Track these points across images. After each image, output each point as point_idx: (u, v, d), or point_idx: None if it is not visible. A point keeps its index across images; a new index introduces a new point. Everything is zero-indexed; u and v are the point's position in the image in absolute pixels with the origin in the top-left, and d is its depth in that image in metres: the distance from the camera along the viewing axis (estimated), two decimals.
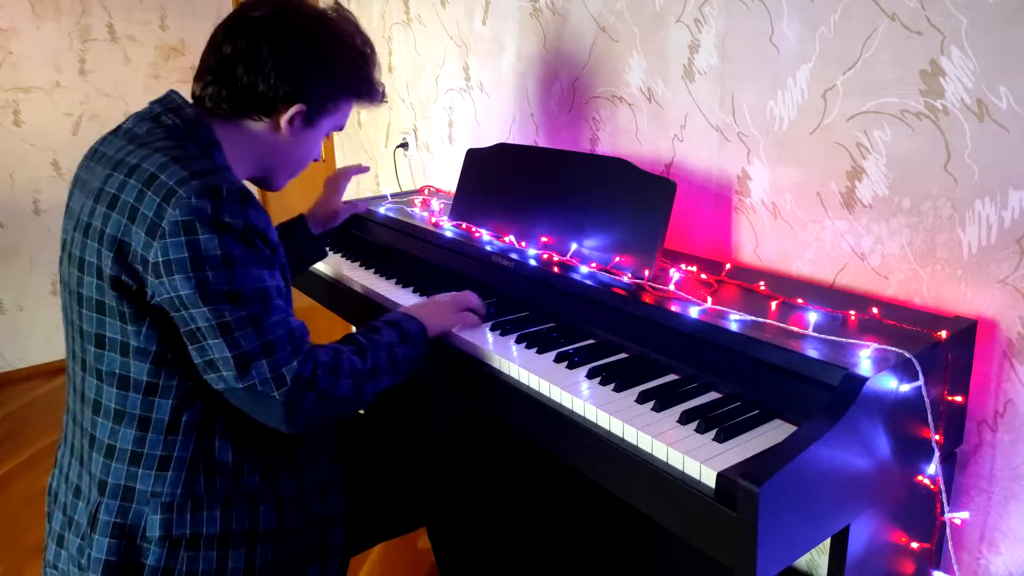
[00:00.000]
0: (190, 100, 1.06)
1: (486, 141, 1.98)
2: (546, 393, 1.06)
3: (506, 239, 1.48)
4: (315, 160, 1.20)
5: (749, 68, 1.29)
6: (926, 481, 0.99)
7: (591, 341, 1.20)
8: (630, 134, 1.56)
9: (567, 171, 1.41)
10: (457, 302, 1.25)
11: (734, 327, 1.01)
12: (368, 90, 1.15)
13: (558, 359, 1.12)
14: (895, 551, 1.02)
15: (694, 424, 0.92)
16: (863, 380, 0.83)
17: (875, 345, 0.93)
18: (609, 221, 1.31)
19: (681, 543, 1.40)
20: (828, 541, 0.93)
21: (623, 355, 1.15)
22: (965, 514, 1.11)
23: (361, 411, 1.25)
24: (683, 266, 1.27)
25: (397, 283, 1.53)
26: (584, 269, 1.29)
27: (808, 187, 1.24)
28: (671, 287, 1.16)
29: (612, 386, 1.03)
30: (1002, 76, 0.98)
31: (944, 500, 1.02)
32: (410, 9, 2.25)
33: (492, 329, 1.25)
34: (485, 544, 1.39)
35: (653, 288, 1.18)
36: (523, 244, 1.44)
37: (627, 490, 0.94)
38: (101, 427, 0.97)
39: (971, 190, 1.04)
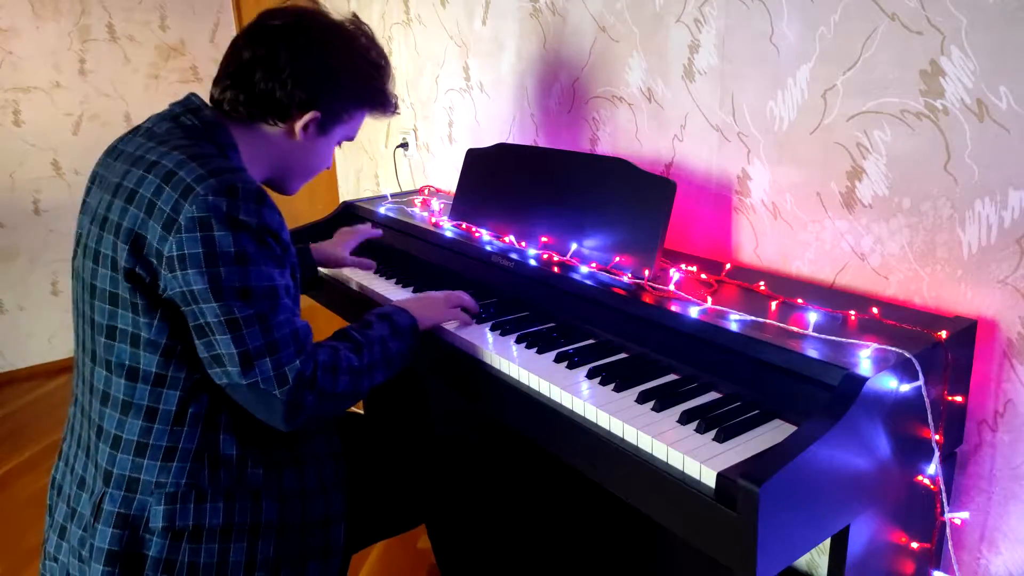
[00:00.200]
0: (209, 103, 1.10)
1: (486, 141, 1.98)
2: (546, 393, 1.06)
3: (506, 239, 1.48)
4: (326, 168, 1.22)
5: (749, 68, 1.29)
6: (926, 481, 0.99)
7: (591, 341, 1.20)
8: (630, 134, 1.56)
9: (567, 171, 1.41)
10: (449, 299, 1.26)
11: (734, 327, 1.01)
12: (381, 101, 1.18)
13: (558, 359, 1.12)
14: (895, 551, 1.02)
15: (694, 424, 0.92)
16: (863, 380, 0.83)
17: (875, 345, 0.93)
18: (609, 221, 1.31)
19: (681, 543, 1.40)
20: (828, 541, 0.93)
21: (623, 355, 1.15)
22: (965, 514, 1.11)
23: (361, 411, 1.25)
24: (683, 266, 1.27)
25: (397, 283, 1.53)
26: (584, 269, 1.29)
27: (808, 187, 1.24)
28: (671, 287, 1.16)
29: (612, 386, 1.03)
30: (1002, 76, 0.98)
31: (944, 500, 1.02)
32: (410, 9, 2.25)
33: (492, 329, 1.25)
34: (485, 543, 1.39)
35: (653, 288, 1.18)
36: (523, 244, 1.44)
37: (627, 490, 0.94)
38: (108, 418, 0.98)
39: (971, 190, 1.04)
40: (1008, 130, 0.98)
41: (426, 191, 2.13)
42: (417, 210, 1.86)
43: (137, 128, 1.08)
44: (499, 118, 1.95)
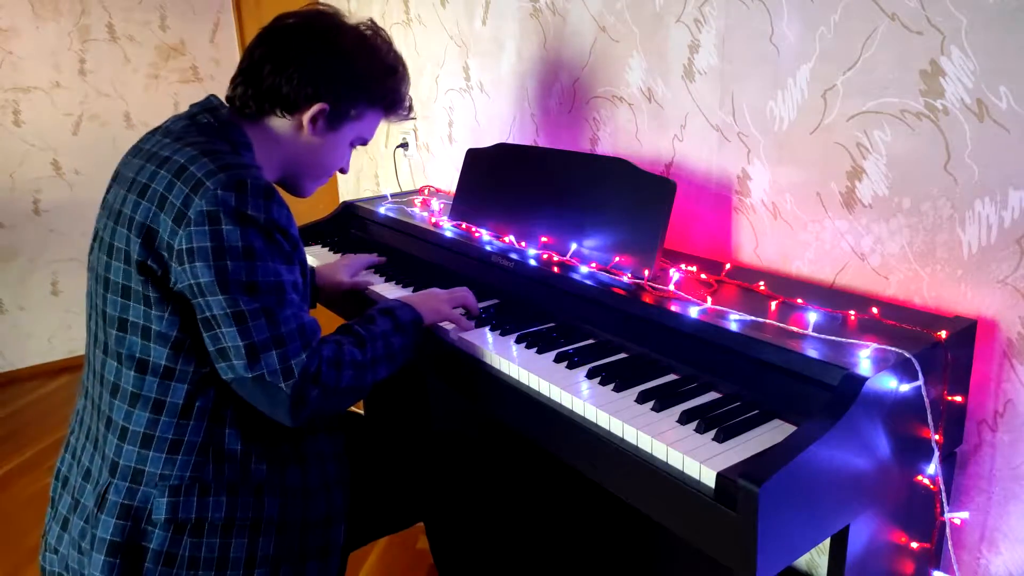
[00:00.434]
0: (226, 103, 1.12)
1: (486, 141, 1.98)
2: (546, 393, 1.06)
3: (506, 239, 1.48)
4: (342, 171, 1.23)
5: (749, 68, 1.29)
6: (926, 481, 0.99)
7: (591, 341, 1.20)
8: (630, 134, 1.56)
9: (567, 171, 1.41)
10: (453, 297, 1.26)
11: (734, 327, 1.01)
12: (393, 101, 1.19)
13: (558, 359, 1.12)
14: (895, 551, 1.02)
15: (694, 424, 0.92)
16: (863, 380, 0.83)
17: (875, 345, 0.93)
18: (609, 221, 1.31)
19: (681, 543, 1.40)
20: (828, 541, 0.93)
21: (623, 355, 1.15)
22: (965, 514, 1.11)
23: (360, 411, 1.25)
24: (683, 266, 1.27)
25: (397, 283, 1.53)
26: (584, 269, 1.29)
27: (808, 187, 1.24)
28: (671, 287, 1.16)
29: (612, 386, 1.03)
30: (1002, 76, 0.98)
31: (944, 500, 1.02)
32: (410, 9, 2.25)
33: (492, 329, 1.25)
34: (483, 543, 1.39)
35: (653, 288, 1.18)
36: (523, 244, 1.44)
37: (627, 490, 0.94)
38: (117, 409, 1.00)
39: (971, 190, 1.04)
40: (1008, 130, 0.98)
41: (426, 191, 2.13)
42: (417, 210, 1.86)
43: (158, 127, 1.10)
44: (499, 118, 1.95)
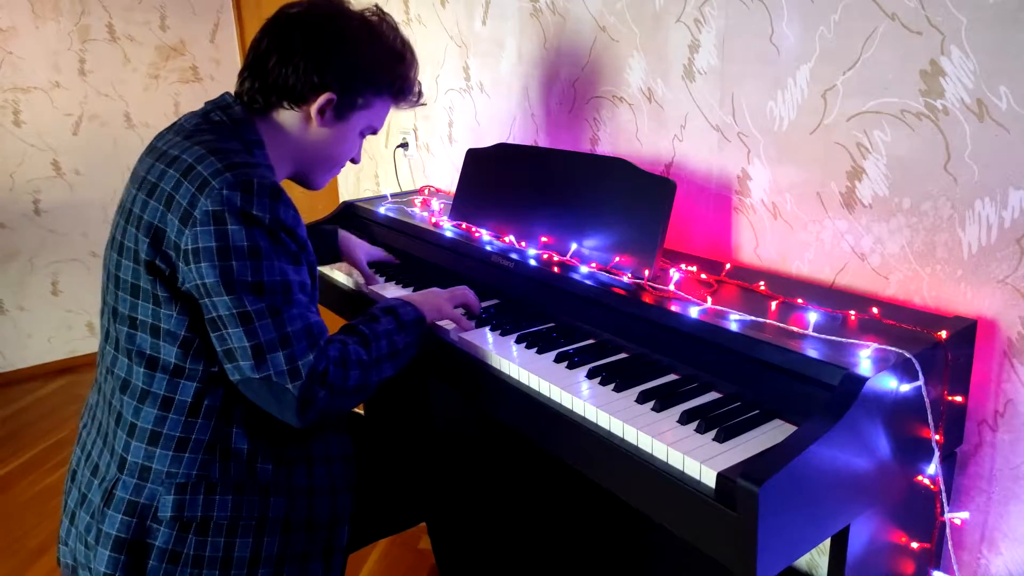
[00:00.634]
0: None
1: (486, 141, 1.98)
2: (546, 393, 1.06)
3: (506, 239, 1.48)
4: (353, 162, 1.23)
5: (749, 68, 1.29)
6: (926, 481, 0.99)
7: (591, 341, 1.20)
8: (630, 134, 1.56)
9: (567, 171, 1.41)
10: (454, 295, 1.26)
11: (734, 327, 1.01)
12: (401, 88, 1.17)
13: (558, 359, 1.12)
14: (895, 551, 1.02)
15: (694, 424, 0.92)
16: (863, 380, 0.83)
17: (875, 345, 0.93)
18: (609, 221, 1.31)
19: (681, 543, 1.40)
20: (828, 541, 0.93)
21: (623, 355, 1.15)
22: (965, 514, 1.11)
23: (361, 411, 1.24)
24: (683, 266, 1.27)
25: (397, 283, 1.53)
26: (584, 269, 1.29)
27: (808, 187, 1.24)
28: (671, 287, 1.16)
29: (612, 386, 1.03)
30: (1002, 76, 0.98)
31: (944, 500, 1.02)
32: (410, 9, 2.25)
33: (492, 329, 1.25)
34: (485, 543, 1.39)
35: (653, 288, 1.18)
36: (523, 244, 1.44)
37: (627, 490, 0.94)
38: (127, 405, 1.00)
39: (971, 190, 1.04)
40: (1008, 130, 0.98)
41: (426, 191, 2.13)
42: (417, 210, 1.86)
43: (173, 124, 1.10)
44: (499, 118, 1.95)
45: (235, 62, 3.45)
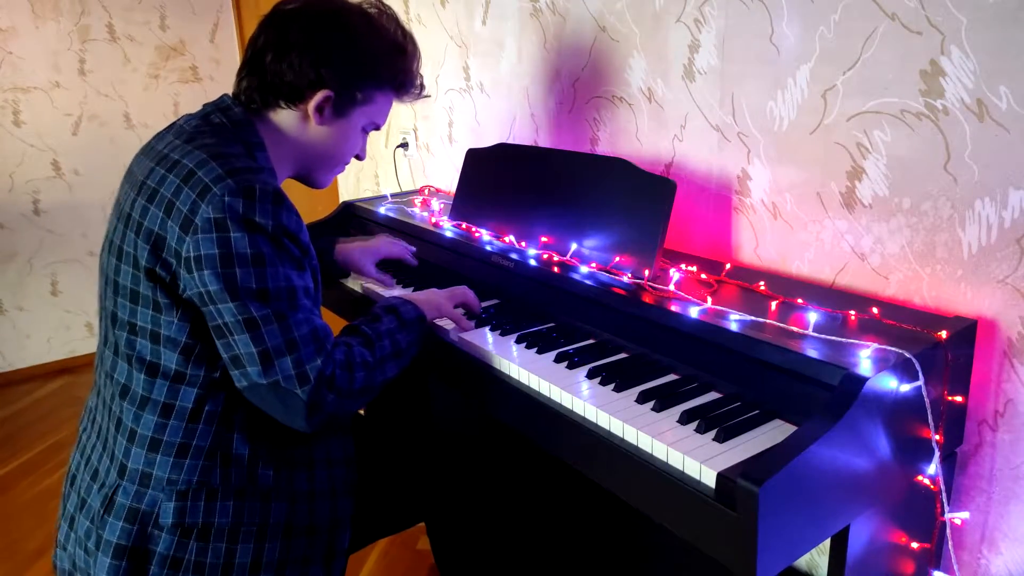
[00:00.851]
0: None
1: (486, 141, 1.98)
2: (546, 393, 1.06)
3: (506, 239, 1.48)
4: (358, 158, 1.20)
5: (749, 68, 1.29)
6: (926, 481, 0.99)
7: (591, 341, 1.20)
8: (630, 134, 1.56)
9: (567, 171, 1.41)
10: (453, 295, 1.26)
11: (734, 327, 1.01)
12: (401, 81, 1.14)
13: (558, 359, 1.12)
14: (895, 551, 1.02)
15: (694, 424, 0.92)
16: (863, 380, 0.83)
17: (875, 345, 0.93)
18: (609, 221, 1.31)
19: (681, 543, 1.40)
20: (828, 541, 0.93)
21: (623, 355, 1.15)
22: (965, 514, 1.11)
23: (361, 412, 1.24)
24: (683, 266, 1.27)
25: (397, 283, 1.53)
26: (584, 269, 1.29)
27: (808, 187, 1.24)
28: (671, 287, 1.16)
29: (612, 386, 1.03)
30: (1002, 76, 0.98)
31: (944, 500, 1.02)
32: (410, 9, 2.25)
33: (492, 329, 1.25)
34: (484, 543, 1.39)
35: (653, 288, 1.18)
36: (523, 244, 1.44)
37: (627, 490, 0.94)
38: (127, 411, 0.99)
39: (971, 190, 1.04)
40: (1008, 130, 0.98)
41: (426, 191, 2.13)
42: (417, 210, 1.86)
43: (171, 125, 1.09)
44: (499, 118, 1.95)
45: (235, 62, 3.45)
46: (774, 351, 0.95)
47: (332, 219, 1.96)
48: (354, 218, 1.95)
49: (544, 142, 1.80)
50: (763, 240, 1.34)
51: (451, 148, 2.19)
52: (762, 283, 1.18)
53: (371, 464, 1.25)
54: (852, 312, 1.05)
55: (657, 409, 0.96)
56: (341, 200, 2.90)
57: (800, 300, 1.10)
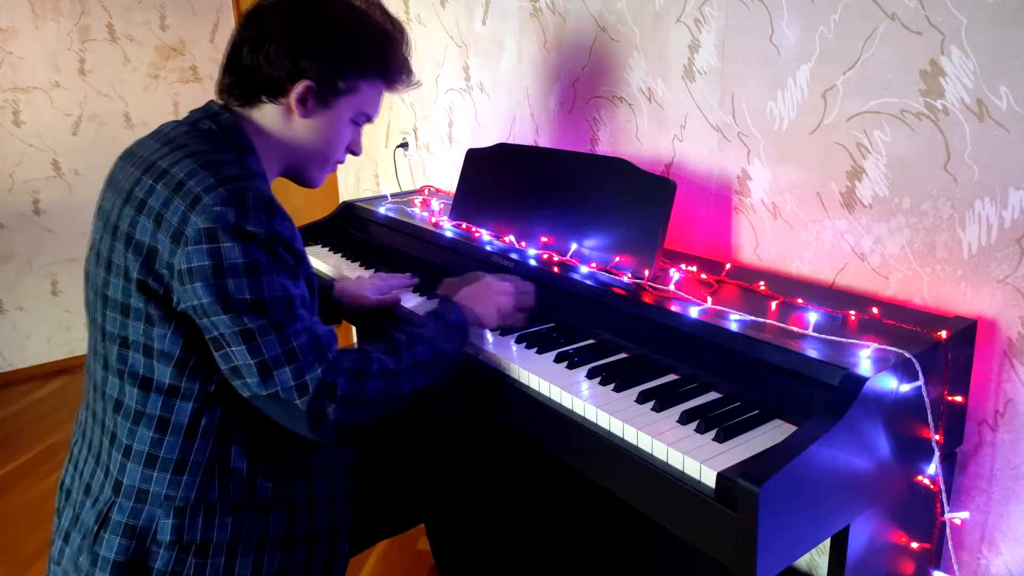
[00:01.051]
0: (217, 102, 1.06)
1: (486, 141, 1.98)
2: (546, 393, 1.06)
3: (506, 239, 1.48)
4: (354, 153, 1.15)
5: (749, 68, 1.29)
6: (926, 481, 0.99)
7: (591, 341, 1.20)
8: (630, 134, 1.56)
9: (567, 171, 1.41)
10: (507, 296, 1.17)
11: (734, 327, 1.01)
12: (387, 69, 1.08)
13: (558, 359, 1.12)
14: (895, 551, 1.02)
15: (694, 424, 0.92)
16: (863, 380, 0.83)
17: (875, 345, 0.93)
18: (609, 221, 1.31)
19: (681, 543, 1.39)
20: (828, 541, 0.93)
21: (623, 355, 1.15)
22: (965, 514, 1.11)
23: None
24: (683, 266, 1.27)
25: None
26: (584, 269, 1.29)
27: (808, 187, 1.24)
28: (671, 287, 1.16)
29: (612, 386, 1.03)
30: (1002, 76, 0.98)
31: (944, 500, 1.02)
32: (410, 9, 2.25)
33: (492, 329, 1.25)
34: (484, 543, 1.39)
35: (653, 288, 1.18)
36: (523, 244, 1.44)
37: (627, 490, 0.93)
38: (121, 426, 0.96)
39: (971, 190, 1.03)
40: (1008, 130, 0.98)
41: (426, 191, 2.13)
42: (417, 210, 1.86)
43: (155, 132, 1.05)
44: (499, 118, 1.95)
45: None
46: (774, 351, 0.95)
47: (332, 219, 1.96)
48: (354, 218, 1.95)
49: (544, 142, 1.80)
50: (763, 240, 1.34)
51: (451, 148, 2.19)
52: (762, 283, 1.18)
53: (371, 466, 1.25)
54: (852, 312, 1.05)
55: (657, 409, 0.96)
56: (341, 200, 2.90)
57: (800, 300, 1.10)
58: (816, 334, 0.98)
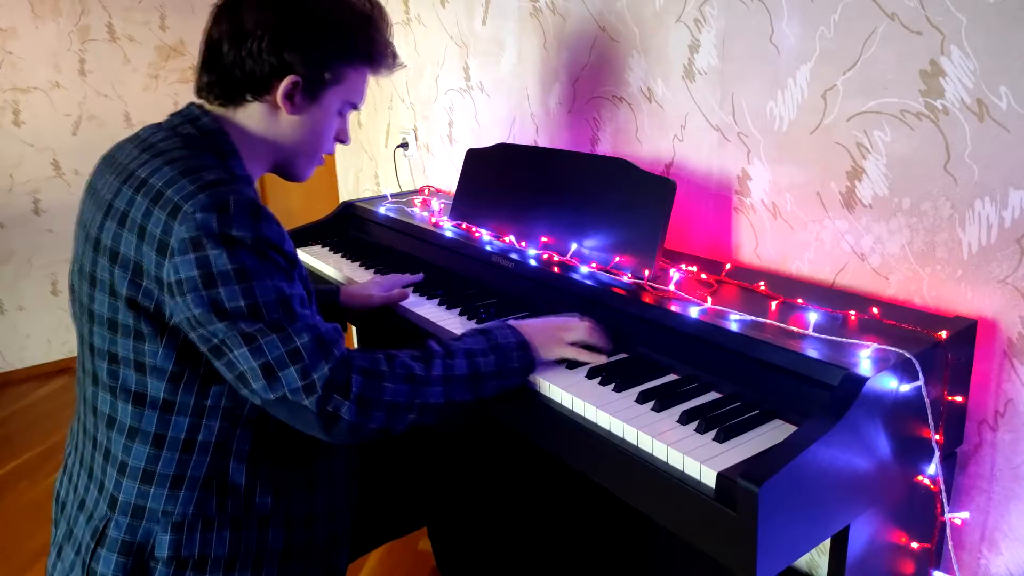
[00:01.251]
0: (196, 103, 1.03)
1: (486, 141, 1.98)
2: (545, 393, 1.06)
3: (506, 239, 1.48)
4: (342, 143, 1.12)
5: (749, 68, 1.29)
6: (926, 481, 0.99)
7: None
8: (630, 134, 1.56)
9: (567, 171, 1.41)
10: (568, 328, 1.09)
11: (734, 327, 1.01)
12: (371, 53, 1.04)
13: (558, 359, 1.12)
14: (895, 551, 1.02)
15: (694, 424, 0.92)
16: (863, 380, 0.83)
17: (875, 345, 0.93)
18: (609, 221, 1.31)
19: (681, 543, 1.39)
20: (828, 541, 0.93)
21: (623, 355, 1.15)
22: (965, 514, 1.11)
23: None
24: (683, 266, 1.27)
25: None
26: (584, 269, 1.29)
27: (808, 187, 1.24)
28: (671, 287, 1.16)
29: (612, 386, 1.03)
30: (1002, 76, 0.98)
31: (944, 500, 1.02)
32: (410, 9, 2.25)
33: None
34: (485, 544, 1.39)
35: (653, 288, 1.18)
36: (523, 244, 1.44)
37: (627, 490, 0.93)
38: (115, 442, 0.94)
39: (971, 190, 1.04)
40: (1008, 130, 0.98)
41: (426, 191, 2.13)
42: (417, 210, 1.86)
43: (135, 136, 1.02)
44: (499, 118, 1.95)
45: None
46: (774, 351, 0.95)
47: (332, 219, 1.96)
48: (354, 218, 1.95)
49: (544, 142, 1.80)
50: (763, 240, 1.34)
51: (451, 148, 2.19)
52: (762, 283, 1.18)
53: (373, 470, 1.25)
54: (852, 312, 1.05)
55: (657, 409, 0.96)
56: (341, 200, 2.91)
57: (800, 300, 1.10)
58: (816, 334, 0.98)
